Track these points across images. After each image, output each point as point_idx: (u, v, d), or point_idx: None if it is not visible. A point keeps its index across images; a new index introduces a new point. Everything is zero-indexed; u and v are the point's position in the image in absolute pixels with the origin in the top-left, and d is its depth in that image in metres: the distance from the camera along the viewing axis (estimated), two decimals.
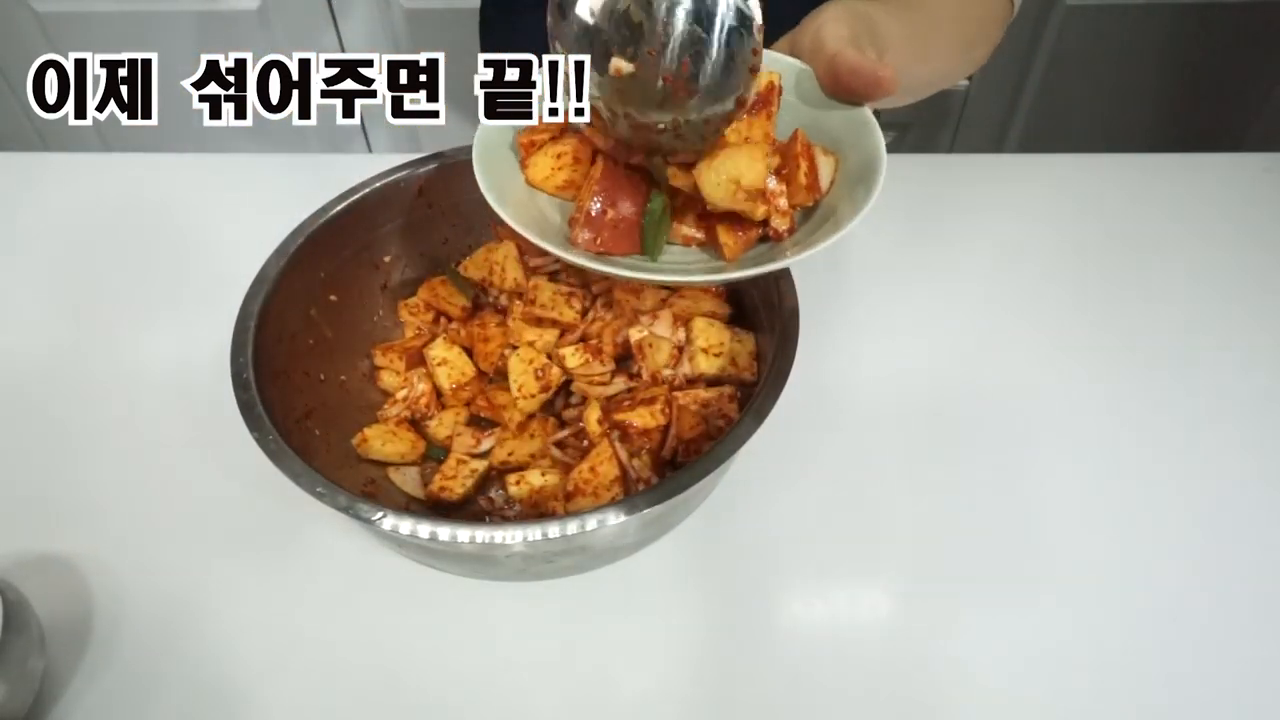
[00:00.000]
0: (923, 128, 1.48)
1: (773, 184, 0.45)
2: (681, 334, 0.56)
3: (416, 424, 0.58)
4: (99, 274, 0.73)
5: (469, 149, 0.62)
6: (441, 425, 0.57)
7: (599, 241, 0.44)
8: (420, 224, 0.62)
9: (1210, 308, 0.68)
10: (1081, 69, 1.40)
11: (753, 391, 0.50)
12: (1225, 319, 0.67)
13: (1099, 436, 0.59)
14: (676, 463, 0.52)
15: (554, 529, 0.41)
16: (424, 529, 0.41)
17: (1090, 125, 1.49)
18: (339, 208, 0.58)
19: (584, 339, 0.58)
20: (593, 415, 0.53)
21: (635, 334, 0.56)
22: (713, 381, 0.55)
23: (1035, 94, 1.43)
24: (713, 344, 0.54)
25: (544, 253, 0.43)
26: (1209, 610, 0.50)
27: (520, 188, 0.48)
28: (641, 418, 0.52)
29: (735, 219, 0.45)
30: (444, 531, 0.41)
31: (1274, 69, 1.41)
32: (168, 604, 0.51)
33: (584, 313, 0.60)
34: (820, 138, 0.47)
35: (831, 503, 0.56)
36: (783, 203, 0.45)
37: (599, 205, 0.44)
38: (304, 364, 0.55)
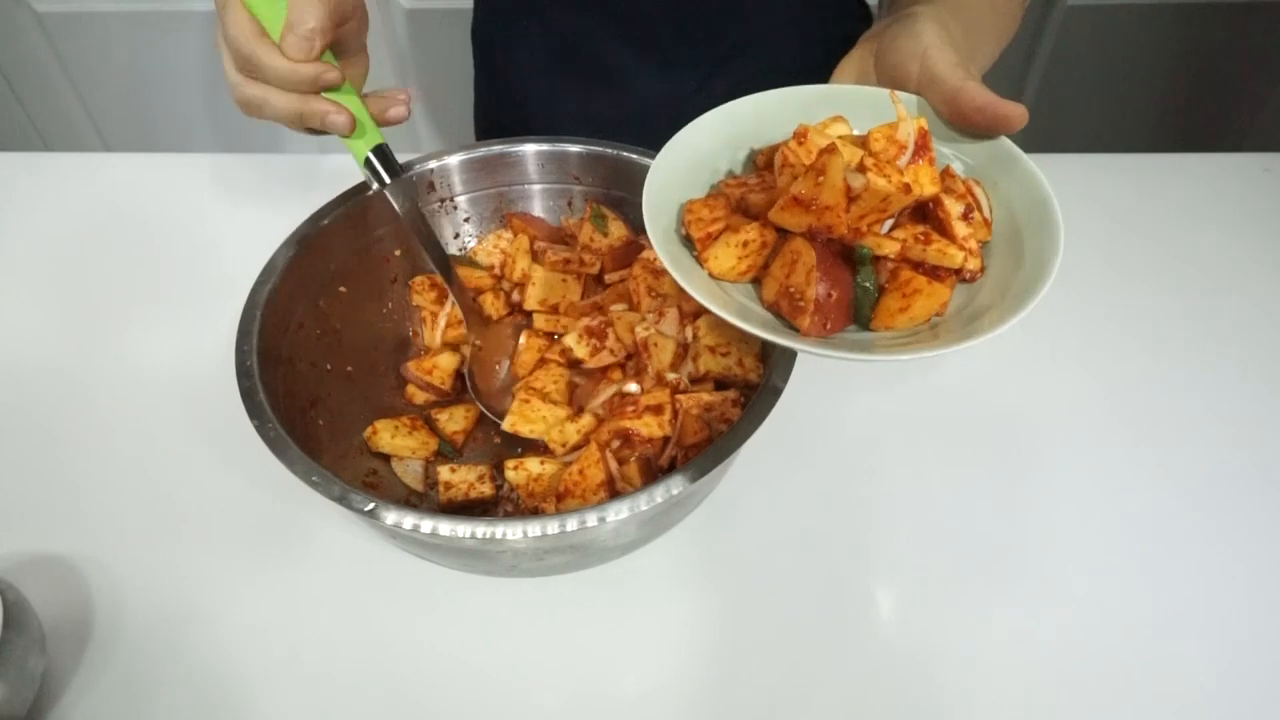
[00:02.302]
0: None
1: (962, 229, 0.45)
2: (688, 332, 0.56)
3: (428, 419, 0.58)
4: (99, 274, 0.73)
5: (475, 145, 0.62)
6: (452, 420, 0.57)
7: (828, 326, 0.43)
8: (430, 217, 0.63)
9: (1211, 307, 0.68)
10: (1081, 69, 1.40)
11: (755, 394, 0.50)
12: (1226, 319, 0.67)
13: (1099, 436, 0.59)
14: (673, 469, 0.52)
15: (554, 525, 0.41)
16: (425, 524, 0.41)
17: (1090, 125, 1.49)
18: (350, 200, 0.58)
19: (589, 331, 0.58)
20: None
21: (641, 331, 0.56)
22: (718, 382, 0.55)
23: (1035, 94, 1.44)
24: (719, 343, 0.54)
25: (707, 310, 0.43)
26: (1211, 611, 0.50)
27: (698, 271, 0.47)
28: (648, 426, 0.52)
29: (931, 271, 0.45)
30: (443, 526, 0.41)
31: (1274, 69, 1.41)
32: (168, 604, 0.51)
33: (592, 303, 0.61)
34: (962, 169, 0.48)
35: (830, 504, 0.56)
36: (973, 244, 0.45)
37: (824, 290, 0.43)
38: (310, 354, 0.55)
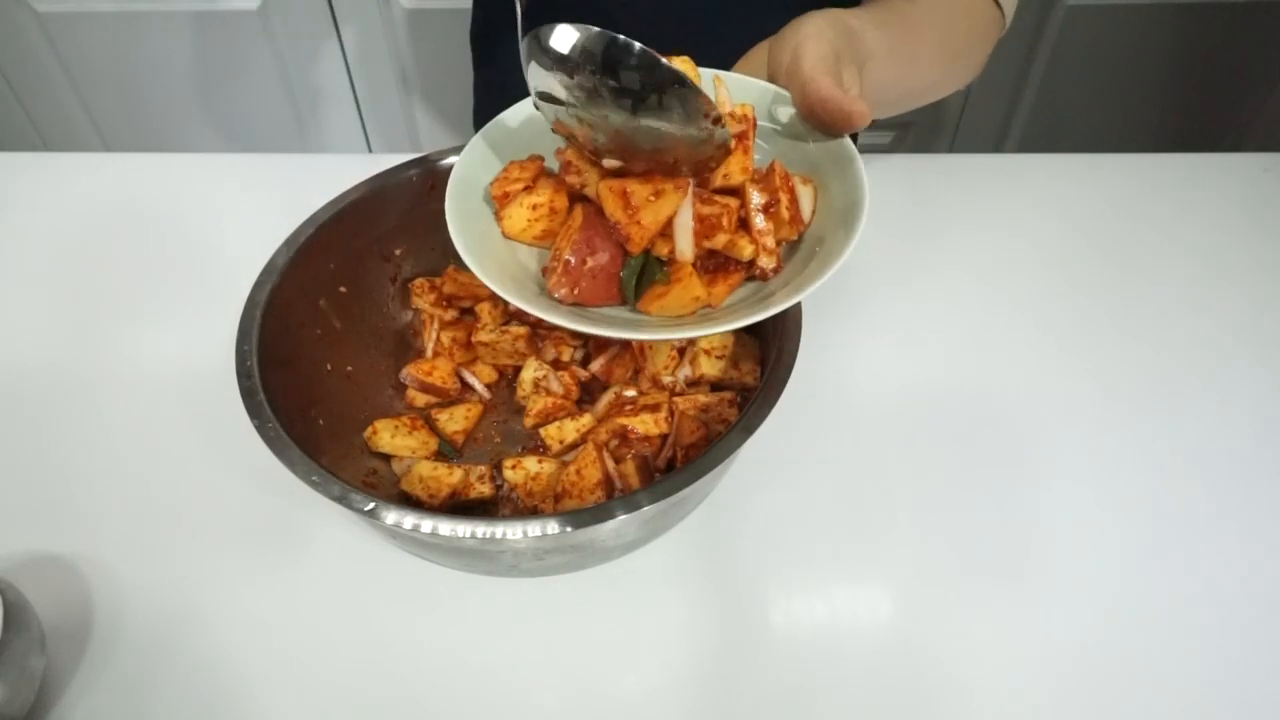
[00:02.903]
0: (922, 128, 1.48)
1: (760, 222, 0.44)
2: None
3: (428, 419, 0.58)
4: (99, 274, 0.73)
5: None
6: (453, 420, 0.57)
7: (576, 292, 0.43)
8: (431, 218, 0.62)
9: (1210, 307, 0.68)
10: (1081, 69, 1.40)
11: (753, 396, 0.50)
12: (1226, 319, 0.67)
13: (1098, 435, 0.59)
14: (671, 469, 0.52)
15: (554, 525, 0.41)
16: (424, 524, 0.41)
17: (1090, 125, 1.49)
18: (351, 200, 0.58)
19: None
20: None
21: None
22: (715, 385, 0.55)
23: (1035, 94, 1.44)
24: (715, 346, 0.54)
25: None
26: (1212, 609, 0.50)
27: (499, 239, 0.47)
28: (644, 424, 0.52)
29: (721, 262, 0.44)
30: (443, 526, 0.41)
31: (1274, 69, 1.41)
32: (168, 604, 0.51)
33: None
34: (799, 164, 0.46)
35: (830, 504, 0.56)
36: (770, 241, 0.44)
37: (579, 256, 0.43)
38: (311, 354, 0.55)
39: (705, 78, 0.47)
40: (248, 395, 0.46)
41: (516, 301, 0.41)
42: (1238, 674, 0.48)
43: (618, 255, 0.43)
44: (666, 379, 0.55)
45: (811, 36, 0.46)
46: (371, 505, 0.42)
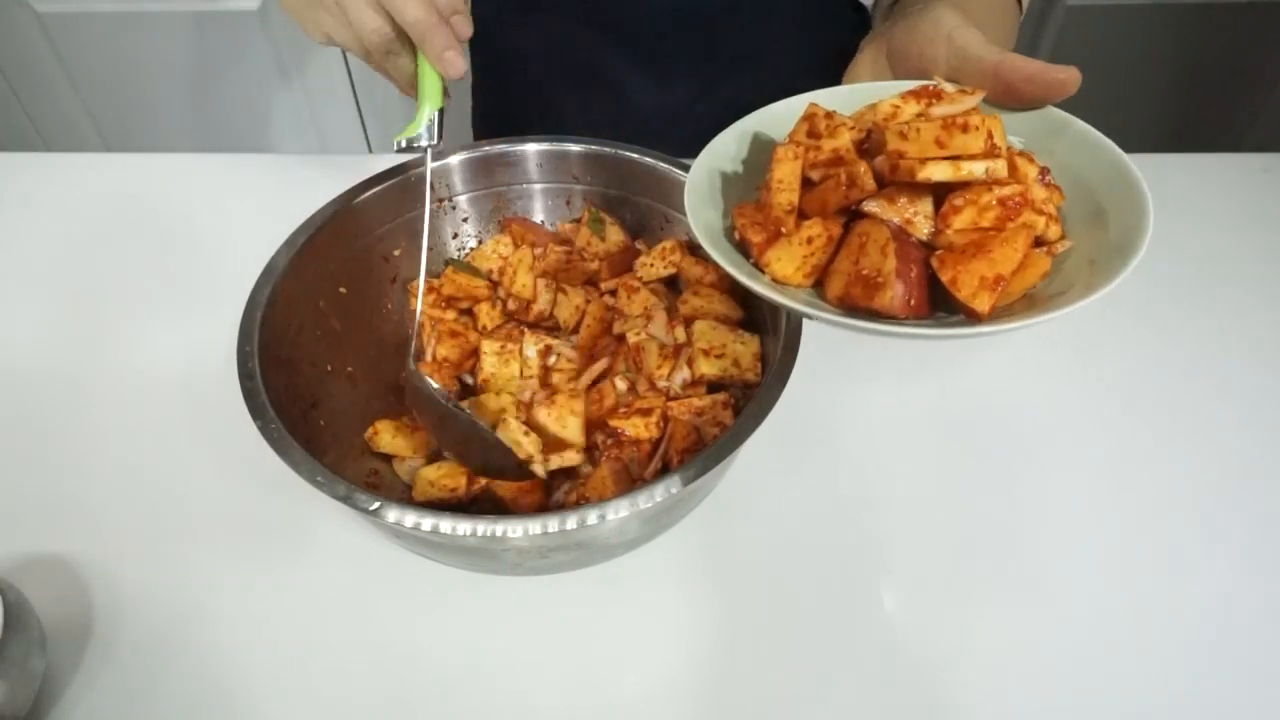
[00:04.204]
0: None
1: (1041, 193, 0.42)
2: (679, 333, 0.56)
3: None
4: (99, 274, 0.73)
5: (476, 145, 0.62)
6: None
7: (912, 302, 0.41)
8: (431, 218, 0.63)
9: (1211, 307, 0.68)
10: (1081, 69, 1.40)
11: (755, 393, 0.50)
12: (1226, 319, 0.67)
13: (1099, 435, 0.59)
14: (668, 470, 0.52)
15: (554, 523, 0.41)
16: (425, 521, 0.41)
17: (1090, 125, 1.49)
18: (350, 200, 0.58)
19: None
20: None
21: (632, 336, 0.56)
22: (714, 384, 0.55)
23: None
24: (713, 345, 0.54)
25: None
26: (1213, 609, 0.50)
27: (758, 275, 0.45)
28: (635, 427, 0.52)
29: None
30: (445, 524, 0.41)
31: (1274, 69, 1.41)
32: (168, 604, 0.51)
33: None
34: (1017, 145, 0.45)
35: (833, 502, 0.56)
36: (1052, 209, 0.43)
37: (903, 264, 0.40)
38: (311, 355, 0.55)
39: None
40: (250, 396, 0.46)
41: (879, 328, 0.39)
42: (1241, 673, 0.48)
43: (926, 262, 0.42)
44: (661, 383, 0.55)
45: (960, 25, 0.47)
46: (376, 504, 0.42)
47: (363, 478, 0.54)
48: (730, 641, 0.49)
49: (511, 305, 0.62)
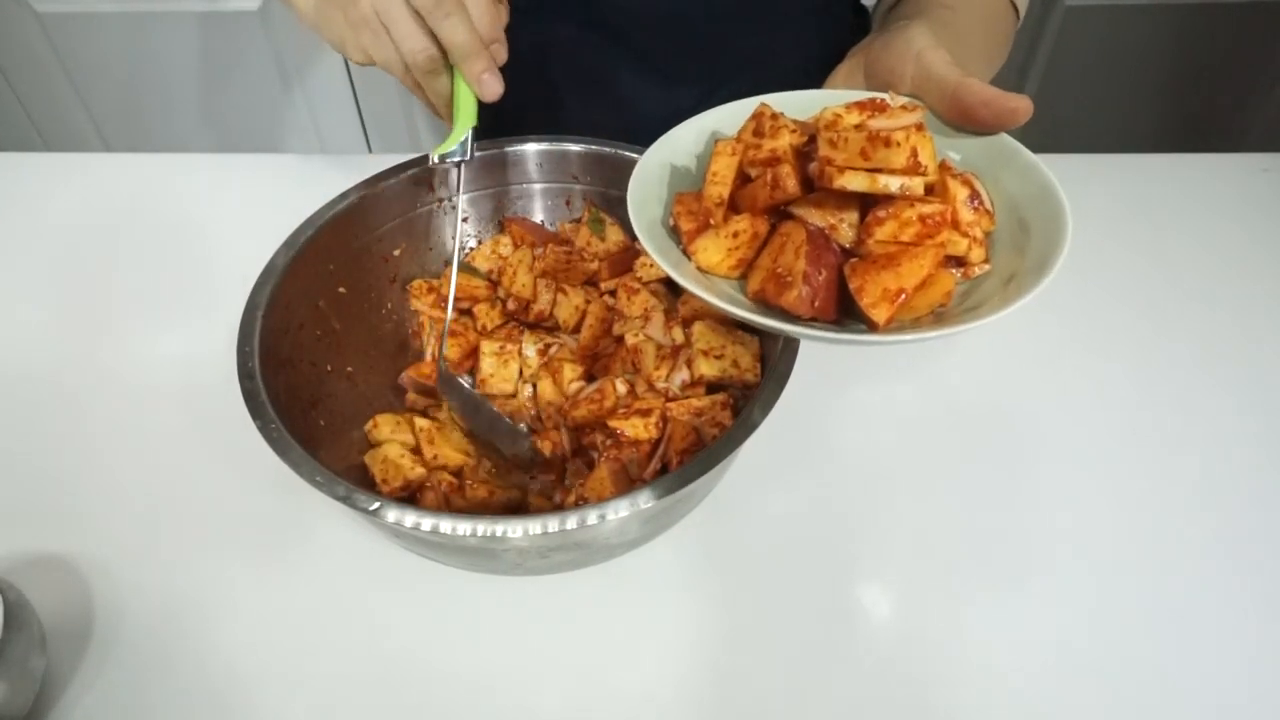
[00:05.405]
0: None
1: (968, 215, 0.44)
2: (677, 334, 0.56)
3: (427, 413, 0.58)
4: (99, 274, 0.73)
5: (477, 145, 0.62)
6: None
7: (816, 304, 0.42)
8: (430, 218, 0.63)
9: (1211, 307, 0.68)
10: (1081, 69, 1.41)
11: (754, 394, 0.50)
12: (1226, 318, 0.67)
13: (1100, 435, 0.59)
14: (665, 472, 0.52)
15: (554, 523, 0.41)
16: (425, 521, 0.41)
17: (1090, 125, 1.49)
18: (350, 201, 0.58)
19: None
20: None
21: (630, 338, 0.56)
22: (713, 385, 0.55)
23: (1035, 94, 1.44)
24: (713, 346, 0.54)
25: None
26: (1214, 609, 0.50)
27: (685, 263, 0.46)
28: (635, 428, 0.52)
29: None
30: (445, 524, 0.41)
31: (1274, 69, 1.41)
32: (168, 604, 0.51)
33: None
34: (962, 166, 0.47)
35: (833, 502, 0.56)
36: (978, 233, 0.44)
37: (812, 267, 0.42)
38: (311, 355, 0.55)
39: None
40: (250, 396, 0.46)
41: (771, 323, 0.41)
42: (1241, 673, 0.48)
43: (840, 269, 0.43)
44: (659, 384, 0.55)
45: (930, 46, 0.48)
46: (376, 504, 0.42)
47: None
48: (730, 640, 0.49)
49: (511, 305, 0.62)
